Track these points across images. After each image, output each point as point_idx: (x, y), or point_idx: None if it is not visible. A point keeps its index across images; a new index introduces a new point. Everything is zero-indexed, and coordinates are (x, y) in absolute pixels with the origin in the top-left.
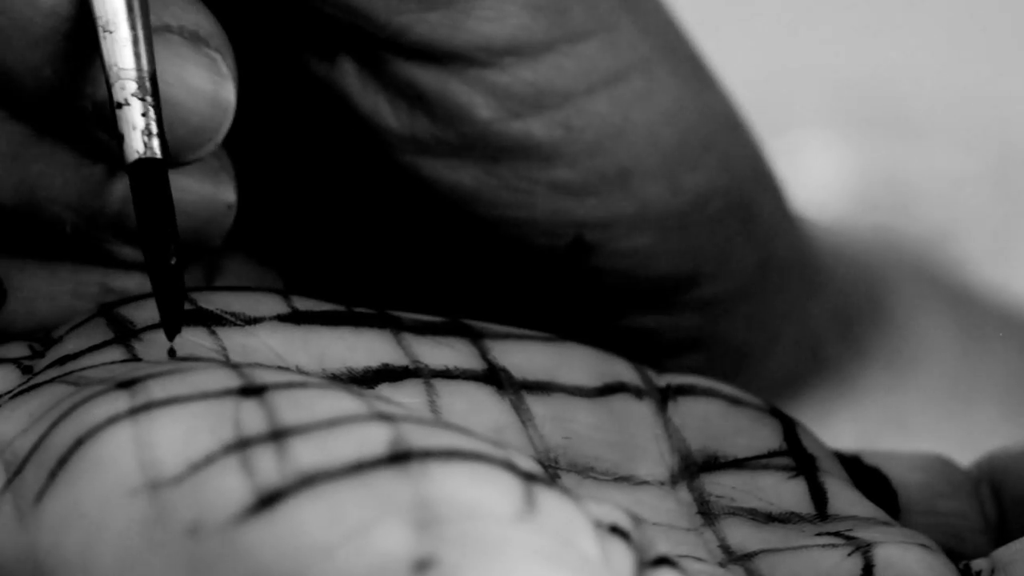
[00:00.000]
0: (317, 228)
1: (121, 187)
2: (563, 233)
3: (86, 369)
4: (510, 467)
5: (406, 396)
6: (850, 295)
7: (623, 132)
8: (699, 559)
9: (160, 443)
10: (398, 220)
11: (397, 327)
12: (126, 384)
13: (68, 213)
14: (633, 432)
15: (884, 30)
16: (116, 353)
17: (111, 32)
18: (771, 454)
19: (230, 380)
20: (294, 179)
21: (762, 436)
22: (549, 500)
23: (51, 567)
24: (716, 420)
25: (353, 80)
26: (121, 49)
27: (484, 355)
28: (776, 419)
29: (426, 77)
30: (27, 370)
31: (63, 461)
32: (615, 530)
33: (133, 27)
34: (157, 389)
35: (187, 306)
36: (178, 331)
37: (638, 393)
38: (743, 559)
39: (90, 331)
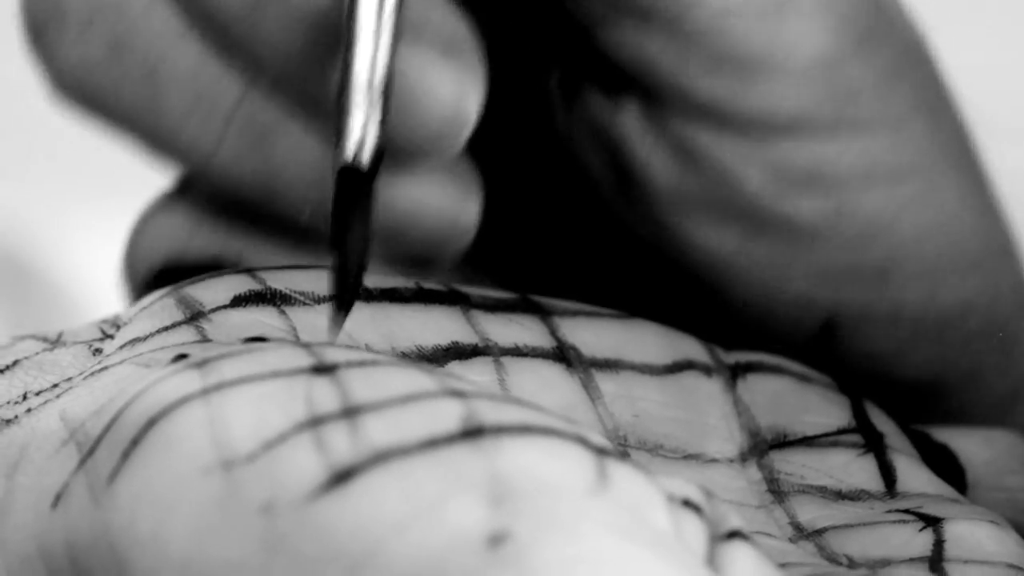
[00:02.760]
0: (548, 259)
1: None
2: (810, 317)
3: (156, 351)
4: (582, 442)
5: (475, 374)
6: None
7: (891, 231)
8: (770, 535)
9: (233, 422)
10: (635, 271)
11: (466, 304)
12: (197, 364)
13: (306, 202)
14: (702, 410)
15: (949, 29)
16: (186, 334)
17: (356, 33)
18: (840, 431)
19: (301, 359)
20: (535, 205)
21: (831, 413)
22: (622, 474)
23: (125, 547)
24: (785, 397)
25: (634, 126)
26: (360, 53)
27: (553, 332)
28: (844, 396)
29: (704, 138)
30: (98, 352)
31: (136, 441)
32: (688, 504)
33: (378, 35)
34: (228, 368)
35: (256, 286)
36: (336, 333)
37: (707, 371)
38: (813, 536)
39: (159, 312)
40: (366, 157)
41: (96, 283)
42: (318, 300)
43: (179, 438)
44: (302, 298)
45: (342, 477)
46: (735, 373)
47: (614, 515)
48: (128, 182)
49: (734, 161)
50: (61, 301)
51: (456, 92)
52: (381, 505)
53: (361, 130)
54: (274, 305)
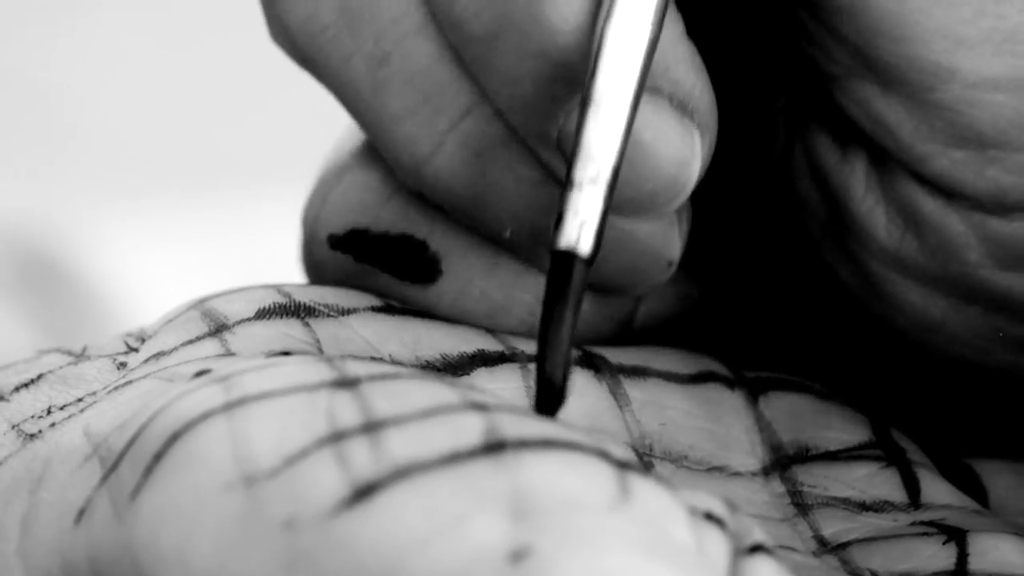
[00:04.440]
0: (739, 290)
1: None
2: (1007, 385)
3: (180, 365)
4: (604, 456)
5: (502, 382)
6: None
7: None
8: (793, 550)
9: (255, 437)
10: (827, 316)
11: None
12: (220, 379)
13: (511, 222)
14: (726, 422)
15: None
16: (210, 347)
17: (596, 107)
18: (862, 446)
19: (323, 373)
20: (734, 231)
21: (852, 429)
22: (644, 489)
23: (148, 562)
24: (807, 414)
25: (859, 180)
26: (597, 130)
27: (579, 345)
28: (865, 414)
29: (930, 206)
30: (122, 366)
31: (158, 456)
32: (710, 518)
33: (616, 114)
34: (251, 383)
35: (280, 299)
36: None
37: (729, 384)
38: (837, 549)
39: (184, 325)
40: (589, 243)
41: (127, 285)
42: (342, 312)
43: (201, 453)
44: (327, 310)
45: (364, 493)
46: (757, 389)
47: (636, 530)
48: (161, 185)
49: (959, 232)
50: (91, 303)
51: (683, 155)
52: (403, 521)
53: (588, 210)
54: (298, 317)
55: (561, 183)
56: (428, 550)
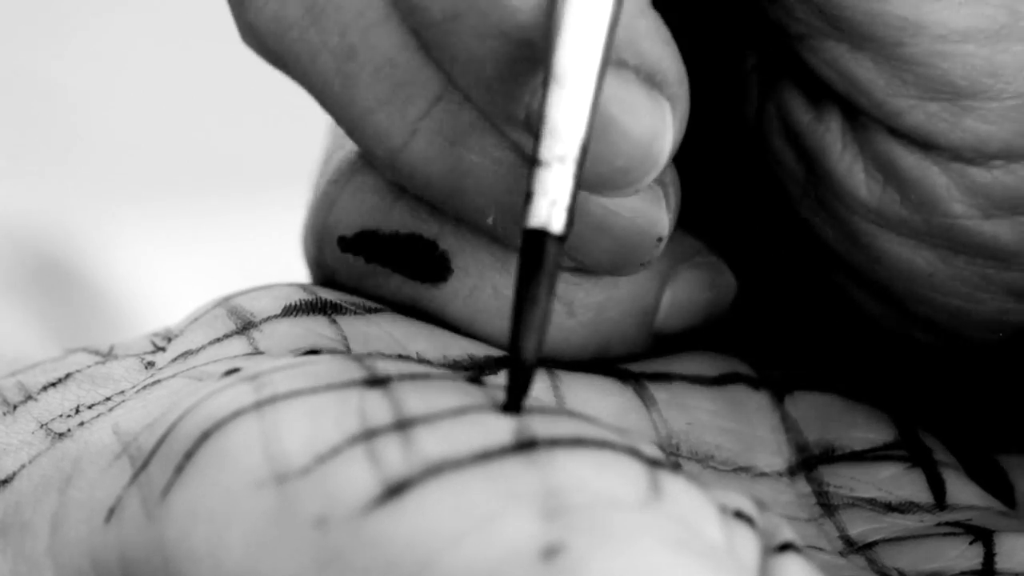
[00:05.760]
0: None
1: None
2: (1002, 331)
3: (208, 364)
4: (635, 454)
5: None
6: None
7: None
8: (820, 549)
9: (286, 435)
10: (811, 272)
11: None
12: (250, 377)
13: (492, 208)
14: (751, 422)
15: None
16: (237, 346)
17: (559, 85)
18: (887, 446)
19: (354, 372)
20: (717, 204)
21: (878, 429)
22: (674, 486)
23: (179, 561)
24: (832, 413)
25: (835, 138)
26: (562, 107)
27: (610, 363)
28: (891, 412)
29: (909, 160)
30: (150, 365)
31: (189, 455)
32: (740, 516)
33: (582, 90)
34: (281, 382)
35: (307, 296)
36: (518, 407)
37: (754, 384)
38: (863, 549)
39: (211, 323)
40: (560, 221)
41: (139, 289)
42: (369, 310)
43: (232, 452)
44: (353, 308)
45: (395, 491)
46: (782, 388)
47: (667, 528)
48: (172, 188)
49: (940, 184)
50: (103, 307)
51: (654, 128)
52: (435, 518)
53: (557, 189)
54: (325, 315)
55: (531, 163)
56: (460, 548)
